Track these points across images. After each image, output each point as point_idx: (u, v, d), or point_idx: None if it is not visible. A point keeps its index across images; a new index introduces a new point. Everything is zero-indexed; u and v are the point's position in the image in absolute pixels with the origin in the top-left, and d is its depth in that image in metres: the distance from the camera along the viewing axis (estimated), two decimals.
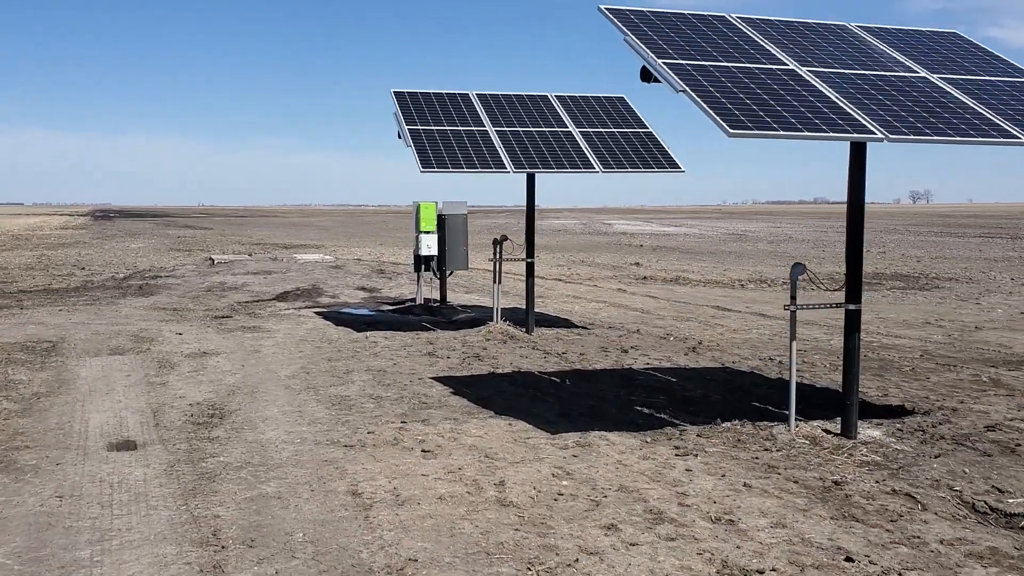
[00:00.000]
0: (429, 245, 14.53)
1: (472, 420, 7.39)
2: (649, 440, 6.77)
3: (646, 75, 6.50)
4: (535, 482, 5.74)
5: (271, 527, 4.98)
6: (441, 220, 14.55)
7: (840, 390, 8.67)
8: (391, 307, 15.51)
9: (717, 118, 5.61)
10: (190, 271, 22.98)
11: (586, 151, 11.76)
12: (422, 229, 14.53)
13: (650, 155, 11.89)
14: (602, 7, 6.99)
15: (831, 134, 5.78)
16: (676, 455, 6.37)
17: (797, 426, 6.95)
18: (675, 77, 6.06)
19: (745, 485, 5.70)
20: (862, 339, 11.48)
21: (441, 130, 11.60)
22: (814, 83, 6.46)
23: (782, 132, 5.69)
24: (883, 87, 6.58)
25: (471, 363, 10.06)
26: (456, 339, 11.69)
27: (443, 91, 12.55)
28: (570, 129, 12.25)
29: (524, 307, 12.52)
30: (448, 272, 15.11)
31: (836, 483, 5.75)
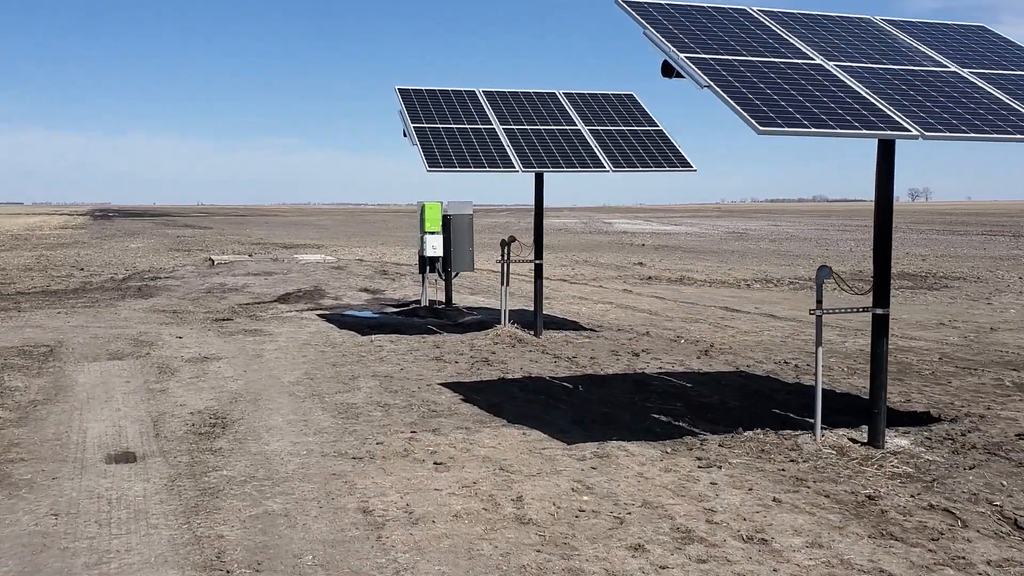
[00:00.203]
0: (434, 246, 14.25)
1: (484, 429, 7.12)
2: (669, 450, 6.50)
3: (667, 70, 6.23)
4: (554, 497, 5.47)
5: (278, 548, 4.71)
6: (446, 220, 14.27)
7: (861, 396, 8.44)
8: (395, 309, 15.23)
9: (745, 115, 5.34)
10: (190, 272, 22.69)
11: (596, 150, 11.49)
12: (427, 229, 14.25)
13: (661, 154, 11.62)
14: (619, 0, 6.72)
15: (864, 131, 5.51)
16: (699, 467, 6.10)
17: (823, 435, 6.68)
18: (699, 72, 5.78)
19: (775, 500, 5.43)
20: None
21: (448, 128, 11.32)
22: (843, 78, 6.18)
23: (813, 129, 5.43)
24: (914, 82, 6.31)
25: (480, 368, 9.79)
26: (463, 342, 11.42)
27: (449, 88, 12.27)
28: (579, 127, 11.98)
29: (530, 309, 12.27)
30: (454, 274, 14.83)
31: (869, 497, 5.48)
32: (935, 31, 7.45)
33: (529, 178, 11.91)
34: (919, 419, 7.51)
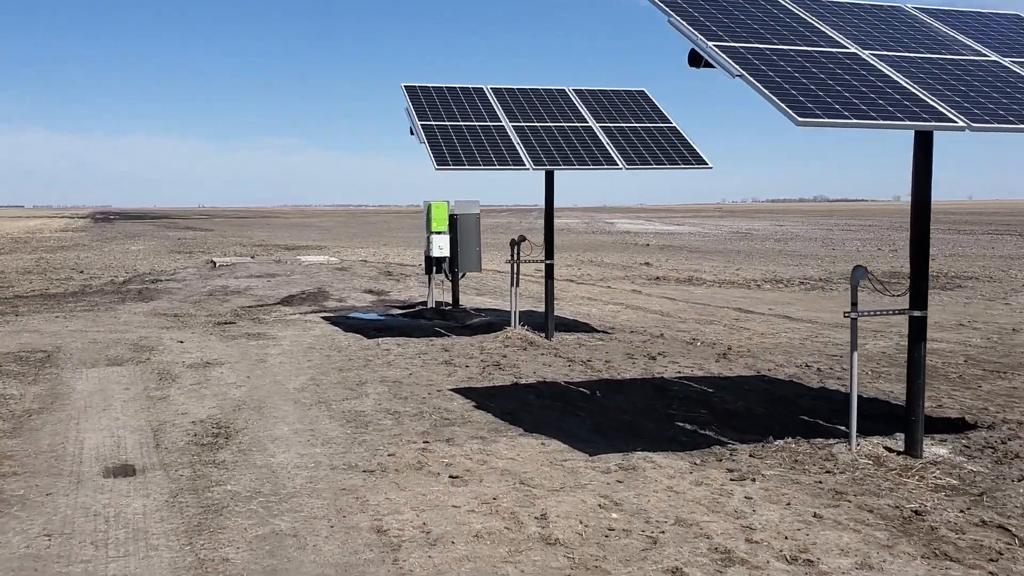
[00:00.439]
0: (441, 246, 13.91)
1: (501, 439, 6.78)
2: (698, 462, 6.16)
3: (695, 59, 5.90)
4: (580, 515, 5.13)
5: (288, 573, 4.38)
6: (453, 220, 13.93)
7: (890, 401, 8.11)
8: (401, 311, 14.89)
9: (783, 105, 5.01)
10: (191, 274, 22.35)
11: (608, 147, 11.16)
12: (433, 229, 13.91)
13: (675, 151, 11.28)
14: None
15: (907, 123, 5.18)
16: (731, 479, 5.77)
17: (858, 444, 6.35)
18: (730, 61, 5.45)
19: (815, 516, 5.09)
20: (899, 343, 10.89)
21: (456, 125, 10.98)
22: (881, 67, 5.85)
23: (853, 120, 5.09)
24: (955, 72, 5.98)
25: (492, 372, 9.45)
26: (473, 345, 11.08)
27: (456, 85, 11.93)
28: (590, 124, 11.64)
29: (539, 310, 11.93)
30: (461, 274, 14.49)
31: (916, 512, 5.14)
32: (970, 19, 7.12)
33: (533, 178, 11.59)
34: (954, 426, 7.17)
